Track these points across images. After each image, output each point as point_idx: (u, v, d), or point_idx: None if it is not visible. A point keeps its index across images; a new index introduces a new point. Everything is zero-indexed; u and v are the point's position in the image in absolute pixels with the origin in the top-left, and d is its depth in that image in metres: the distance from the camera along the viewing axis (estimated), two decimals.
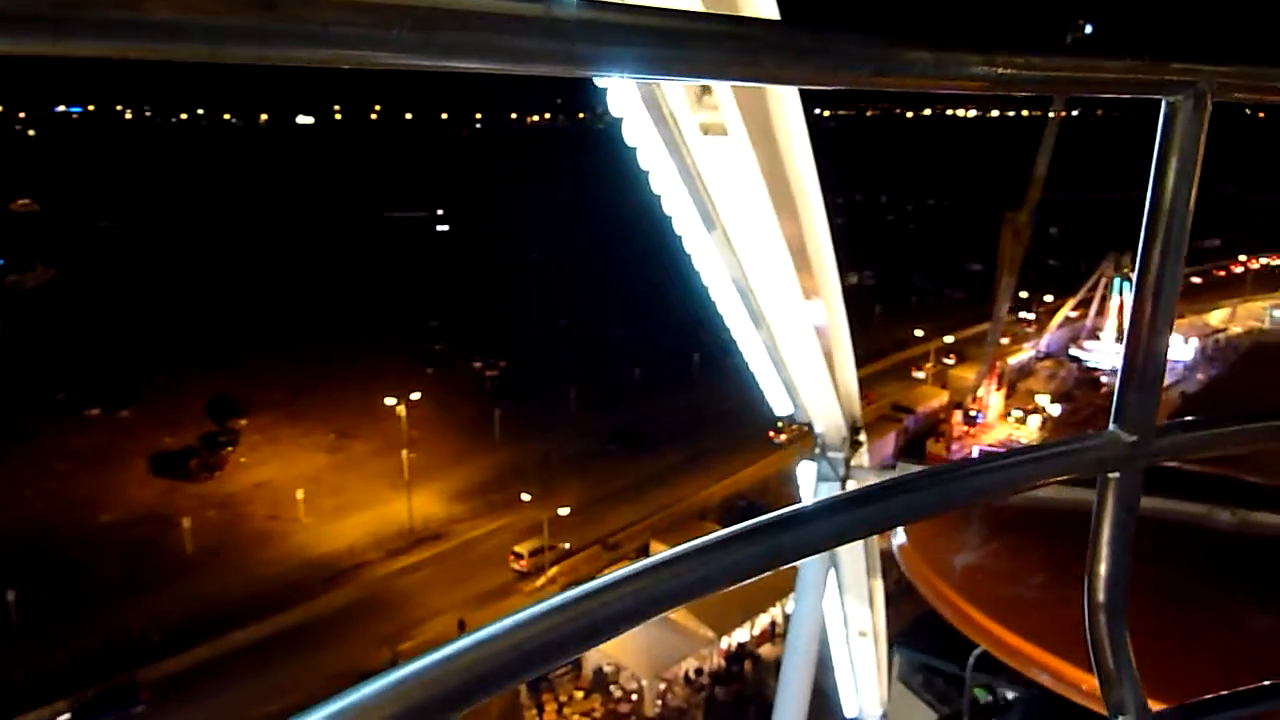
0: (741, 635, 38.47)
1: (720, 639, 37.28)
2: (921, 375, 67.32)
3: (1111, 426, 1.57)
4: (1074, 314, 71.73)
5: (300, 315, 79.71)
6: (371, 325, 76.23)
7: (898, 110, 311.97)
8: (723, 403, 55.83)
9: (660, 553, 1.07)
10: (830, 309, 4.40)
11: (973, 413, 59.03)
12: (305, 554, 44.59)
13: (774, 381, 4.87)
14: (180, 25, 0.68)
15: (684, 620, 35.66)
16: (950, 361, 69.49)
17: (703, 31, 0.92)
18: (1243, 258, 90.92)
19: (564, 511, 45.37)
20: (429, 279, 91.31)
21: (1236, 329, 77.34)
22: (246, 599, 39.90)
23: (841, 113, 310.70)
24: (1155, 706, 1.71)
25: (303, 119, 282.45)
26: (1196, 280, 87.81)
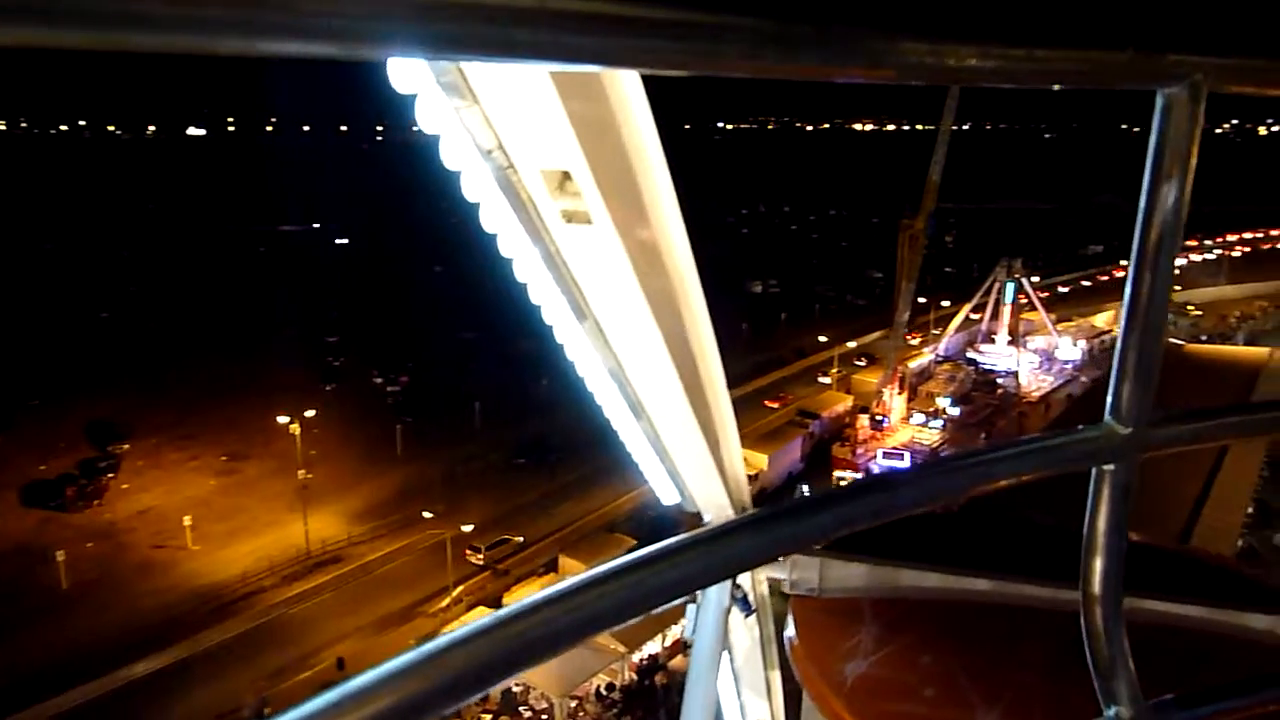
0: (653, 647, 37.83)
1: (632, 652, 36.55)
2: (828, 380, 68.21)
3: (1107, 419, 1.58)
4: (975, 316, 73.79)
5: (190, 333, 76.23)
6: (267, 342, 73.30)
7: (798, 124, 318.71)
8: None
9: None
10: (714, 394, 3.93)
11: (879, 417, 59.90)
12: (193, 583, 42.14)
13: (658, 471, 4.42)
14: (168, 17, 0.67)
15: None
16: (862, 363, 70.67)
17: (701, 24, 0.92)
18: (1124, 263, 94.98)
19: (468, 528, 44.06)
20: (327, 293, 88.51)
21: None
22: (126, 635, 37.35)
23: (744, 126, 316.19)
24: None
25: (194, 131, 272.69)
26: (1086, 284, 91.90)
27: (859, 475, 52.19)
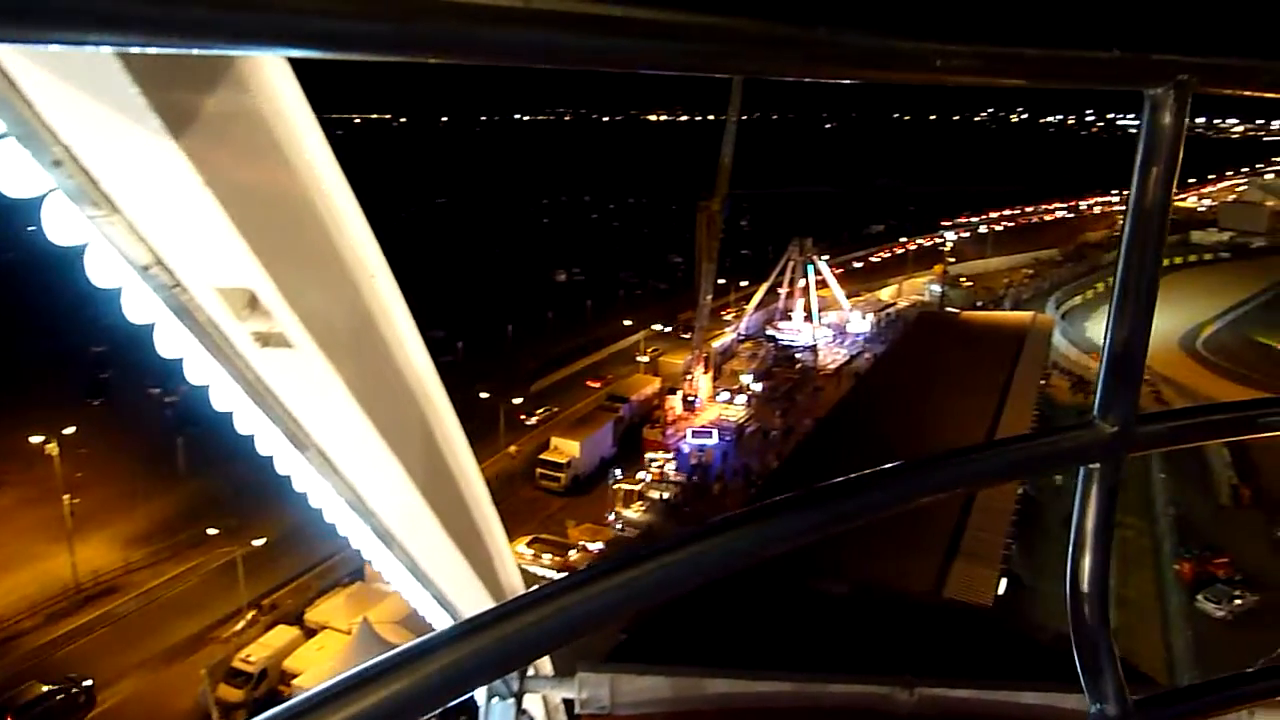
0: None
1: None
2: (645, 359, 69.08)
3: (1095, 417, 1.59)
4: (782, 291, 76.64)
5: None
6: (17, 356, 65.66)
7: (594, 115, 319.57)
8: None
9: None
10: (472, 499, 3.38)
11: (691, 397, 61.04)
12: None
13: (424, 599, 3.80)
14: (155, 17, 0.65)
15: (394, 639, 33.37)
16: (687, 337, 71.74)
17: (685, 24, 0.93)
18: (903, 240, 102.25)
19: (259, 543, 41.25)
20: (89, 300, 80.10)
21: (903, 303, 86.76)
22: None
23: (542, 118, 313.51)
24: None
25: None
26: (874, 260, 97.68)
27: (669, 455, 53.02)
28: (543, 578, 40.46)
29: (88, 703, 34.42)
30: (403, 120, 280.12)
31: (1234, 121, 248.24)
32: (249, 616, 39.12)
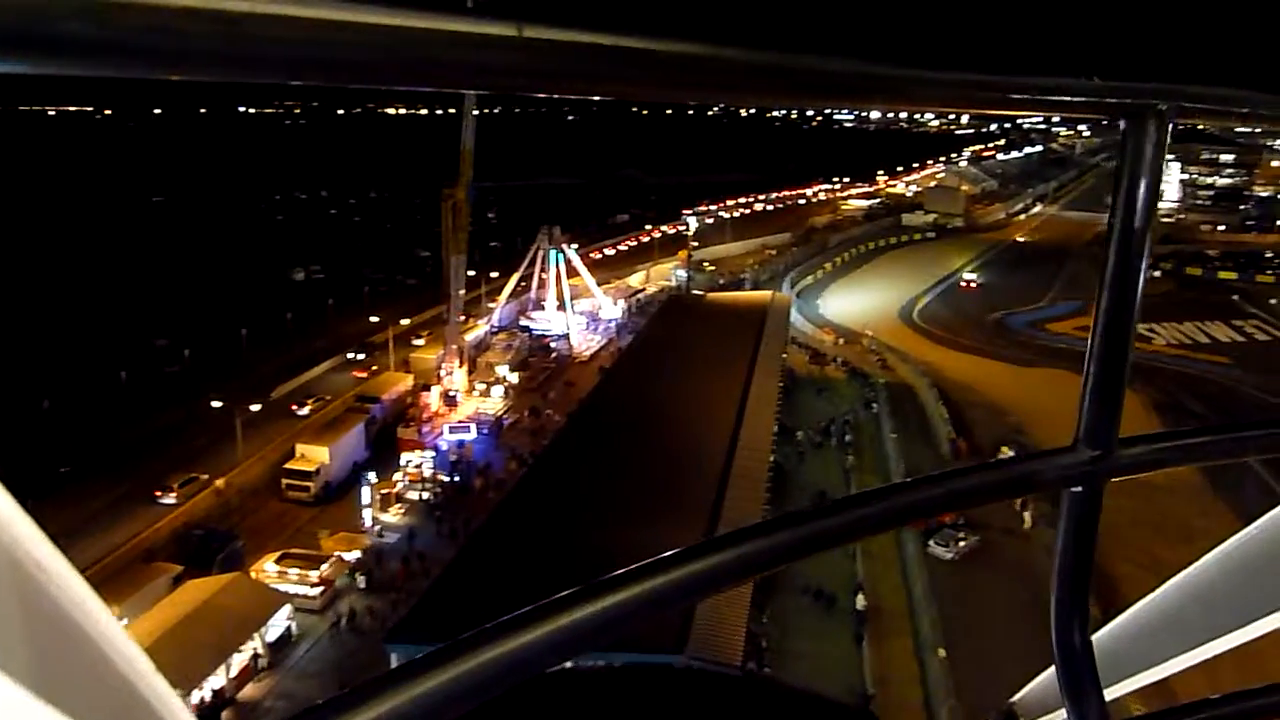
0: (218, 681, 33.56)
1: (190, 693, 31.86)
2: (421, 342, 67.13)
3: (1077, 441, 1.59)
4: (536, 280, 76.02)
5: None
6: None
7: (328, 108, 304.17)
8: (165, 417, 49.29)
9: None
10: (139, 680, 2.26)
11: (451, 392, 59.15)
12: None
13: None
14: (142, 43, 0.66)
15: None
16: (465, 325, 69.13)
17: (675, 54, 0.93)
18: (649, 228, 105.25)
19: None
20: None
21: (652, 288, 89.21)
22: None
23: (269, 110, 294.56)
24: None
25: None
26: (622, 248, 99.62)
27: (428, 454, 50.92)
28: (295, 595, 37.54)
29: None
30: (107, 113, 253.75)
31: (929, 116, 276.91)
32: None
